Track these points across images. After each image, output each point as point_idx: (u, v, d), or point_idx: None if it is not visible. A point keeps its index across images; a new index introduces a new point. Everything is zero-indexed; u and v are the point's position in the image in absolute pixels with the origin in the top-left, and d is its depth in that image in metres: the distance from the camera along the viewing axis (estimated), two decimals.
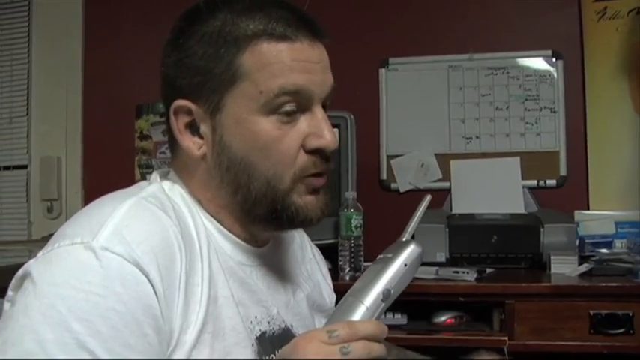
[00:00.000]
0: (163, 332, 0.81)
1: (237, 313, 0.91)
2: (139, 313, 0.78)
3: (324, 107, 0.96)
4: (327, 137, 0.93)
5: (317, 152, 0.93)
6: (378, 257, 0.94)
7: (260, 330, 0.94)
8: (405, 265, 0.91)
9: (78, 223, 0.85)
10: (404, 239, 0.95)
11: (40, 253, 0.83)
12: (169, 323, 0.82)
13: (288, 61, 0.90)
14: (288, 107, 0.91)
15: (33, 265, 0.81)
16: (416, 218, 0.98)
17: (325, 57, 0.95)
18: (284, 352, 0.85)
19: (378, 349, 0.84)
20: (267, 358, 0.93)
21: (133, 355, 0.77)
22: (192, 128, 0.94)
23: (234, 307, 0.90)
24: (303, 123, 0.93)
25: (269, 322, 0.97)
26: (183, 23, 0.95)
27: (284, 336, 0.96)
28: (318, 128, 0.93)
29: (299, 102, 0.91)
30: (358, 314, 0.87)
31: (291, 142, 0.92)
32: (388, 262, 0.91)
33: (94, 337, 0.75)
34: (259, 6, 0.92)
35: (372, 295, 0.88)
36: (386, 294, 0.88)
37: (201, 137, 0.94)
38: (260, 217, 0.95)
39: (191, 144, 0.94)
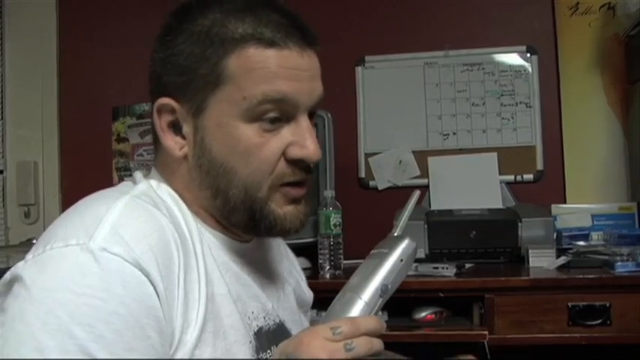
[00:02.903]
0: (165, 334, 0.79)
1: (235, 310, 0.90)
2: (142, 315, 0.76)
3: (312, 115, 0.95)
4: (310, 148, 0.91)
5: (298, 162, 0.92)
6: (372, 252, 0.93)
7: (257, 325, 0.94)
8: (401, 260, 0.90)
9: (70, 223, 0.82)
10: (395, 234, 0.94)
11: (29, 256, 0.80)
12: (171, 324, 0.80)
13: (274, 67, 0.88)
14: (272, 115, 0.89)
15: (23, 269, 0.78)
16: (407, 213, 0.98)
17: (315, 65, 0.93)
18: (286, 349, 0.84)
19: (378, 344, 0.84)
20: (267, 354, 0.92)
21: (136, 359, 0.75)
22: (175, 127, 0.93)
23: (231, 304, 0.90)
24: (286, 131, 0.91)
25: (265, 318, 0.96)
26: (173, 20, 0.93)
27: (279, 331, 0.96)
28: (301, 138, 0.91)
29: (283, 110, 0.90)
30: (357, 310, 0.87)
31: (272, 150, 0.90)
32: (384, 257, 0.91)
33: (97, 343, 0.73)
34: (251, 8, 0.90)
35: (370, 291, 0.88)
36: (384, 289, 0.88)
37: (184, 137, 0.92)
38: (239, 223, 0.94)
39: (173, 143, 0.93)
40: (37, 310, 0.74)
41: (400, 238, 0.93)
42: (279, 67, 0.88)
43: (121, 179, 2.69)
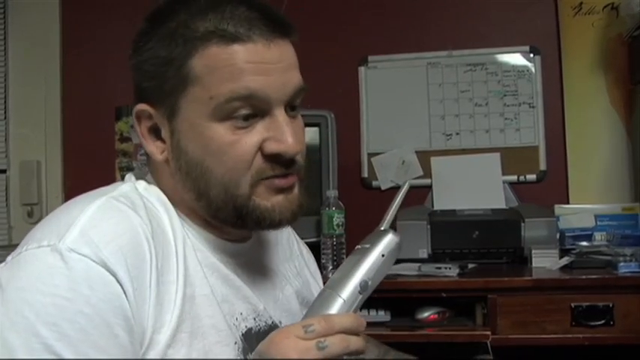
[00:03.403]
0: (135, 333, 0.80)
1: (218, 311, 0.89)
2: (109, 314, 0.77)
3: (294, 108, 0.93)
4: (287, 141, 0.88)
5: (276, 157, 0.89)
6: (356, 248, 0.92)
7: (246, 327, 0.93)
8: (383, 255, 0.89)
9: (46, 225, 0.84)
10: (382, 228, 0.93)
11: (8, 257, 0.82)
12: (141, 323, 0.81)
13: (240, 63, 0.86)
14: (243, 112, 0.87)
15: (1, 270, 0.81)
16: (395, 206, 0.97)
17: (287, 56, 0.90)
18: (260, 348, 0.84)
19: (356, 342, 0.83)
20: (246, 356, 0.91)
21: (103, 357, 0.76)
22: (156, 132, 0.93)
23: (214, 306, 0.89)
24: (260, 127, 0.89)
25: (255, 319, 0.95)
26: (144, 25, 0.93)
27: (271, 332, 0.93)
28: (278, 132, 0.88)
29: (255, 106, 0.87)
30: (335, 307, 0.86)
31: (246, 147, 0.88)
32: (365, 253, 0.89)
33: (62, 342, 0.74)
34: (215, 4, 0.88)
35: (349, 288, 0.87)
36: (363, 286, 0.87)
37: (164, 141, 0.93)
38: (227, 221, 0.93)
39: (154, 148, 0.93)
40: (7, 309, 0.76)
41: (383, 233, 0.91)
42: (244, 62, 0.86)
43: (123, 179, 2.69)
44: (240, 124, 0.88)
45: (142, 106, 0.92)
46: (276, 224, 0.93)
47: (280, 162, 0.90)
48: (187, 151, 0.90)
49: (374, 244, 0.90)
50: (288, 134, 0.89)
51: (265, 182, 0.90)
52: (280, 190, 0.92)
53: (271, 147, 0.89)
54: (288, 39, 0.91)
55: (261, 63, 0.87)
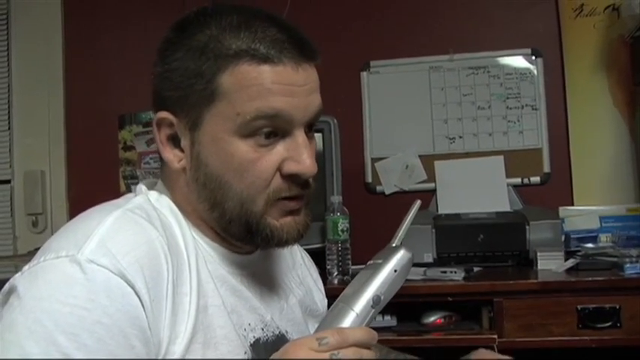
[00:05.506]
0: (151, 344, 0.81)
1: (229, 321, 0.91)
2: (126, 325, 0.78)
3: (311, 127, 0.95)
4: (305, 162, 0.91)
5: (293, 177, 0.92)
6: (368, 263, 0.93)
7: (254, 337, 0.95)
8: (395, 271, 0.90)
9: (64, 236, 0.84)
10: (394, 245, 0.94)
11: (25, 267, 0.82)
12: (157, 334, 0.82)
13: (268, 83, 0.88)
14: (266, 131, 0.89)
15: (18, 280, 0.81)
16: (406, 223, 0.98)
17: (312, 79, 0.93)
18: (274, 359, 0.85)
19: (368, 355, 0.85)
20: None
21: None
22: (175, 140, 0.94)
23: (225, 316, 0.90)
24: (281, 147, 0.91)
25: (263, 329, 0.97)
26: (172, 34, 0.94)
27: (278, 342, 0.96)
28: (296, 153, 0.91)
29: (278, 126, 0.90)
30: (348, 321, 0.87)
31: (267, 165, 0.90)
32: (378, 268, 0.91)
33: (80, 351, 0.75)
34: (247, 23, 0.90)
35: (362, 302, 0.88)
36: (376, 300, 0.88)
37: (182, 150, 0.94)
38: (236, 235, 0.95)
39: (171, 156, 0.94)
40: (25, 318, 0.77)
41: (396, 249, 0.93)
42: (272, 83, 0.88)
43: (127, 187, 2.70)
44: (262, 141, 0.90)
45: (163, 114, 0.93)
46: (283, 243, 0.96)
47: (297, 182, 0.92)
48: (207, 164, 0.91)
49: (386, 259, 0.91)
50: (306, 155, 0.91)
51: (279, 203, 0.93)
52: (290, 212, 0.94)
53: (290, 167, 0.91)
54: (313, 63, 0.93)
55: (288, 85, 0.89)
